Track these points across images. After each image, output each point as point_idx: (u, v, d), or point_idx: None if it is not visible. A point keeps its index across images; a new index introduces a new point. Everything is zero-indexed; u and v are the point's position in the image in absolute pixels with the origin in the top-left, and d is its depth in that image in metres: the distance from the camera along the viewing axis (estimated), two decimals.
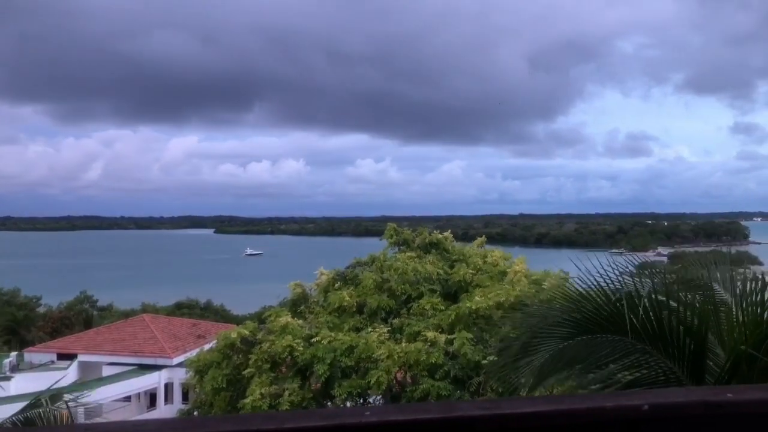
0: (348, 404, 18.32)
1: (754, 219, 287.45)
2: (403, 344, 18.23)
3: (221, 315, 59.31)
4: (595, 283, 5.26)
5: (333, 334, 18.86)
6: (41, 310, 58.06)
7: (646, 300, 4.85)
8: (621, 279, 5.36)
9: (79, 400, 10.85)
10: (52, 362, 38.07)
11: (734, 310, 5.04)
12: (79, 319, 54.95)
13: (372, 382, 17.65)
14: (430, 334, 18.31)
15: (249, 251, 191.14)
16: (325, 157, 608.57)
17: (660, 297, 5.00)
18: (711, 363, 4.81)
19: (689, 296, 5.25)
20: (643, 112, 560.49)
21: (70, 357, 38.24)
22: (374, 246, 24.41)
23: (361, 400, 18.71)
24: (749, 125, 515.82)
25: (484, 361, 16.75)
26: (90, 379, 35.63)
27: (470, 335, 18.13)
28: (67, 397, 10.60)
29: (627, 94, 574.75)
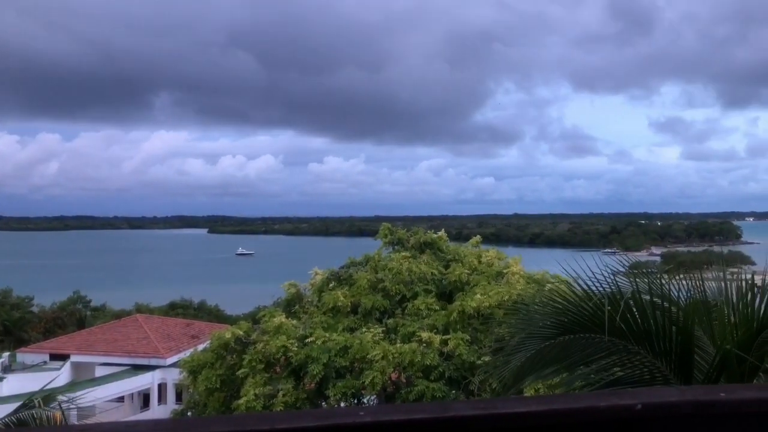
0: (342, 405, 18.31)
1: (747, 219, 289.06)
2: (398, 345, 18.22)
3: (215, 315, 59.22)
4: (583, 283, 5.28)
5: (327, 334, 18.84)
6: (34, 310, 57.81)
7: (630, 299, 4.88)
8: (610, 279, 5.39)
9: (71, 401, 10.81)
10: (45, 363, 37.90)
11: (725, 309, 5.07)
12: (72, 319, 54.77)
13: (366, 382, 17.64)
14: (425, 335, 18.32)
15: (240, 251, 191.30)
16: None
17: (644, 295, 5.04)
18: (701, 361, 4.84)
19: (679, 294, 5.29)
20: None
21: (63, 357, 38.07)
22: (368, 246, 24.40)
23: (356, 401, 18.70)
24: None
25: (479, 362, 16.77)
26: (83, 379, 35.51)
27: (465, 336, 18.14)
28: (60, 398, 10.57)
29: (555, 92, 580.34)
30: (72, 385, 31.39)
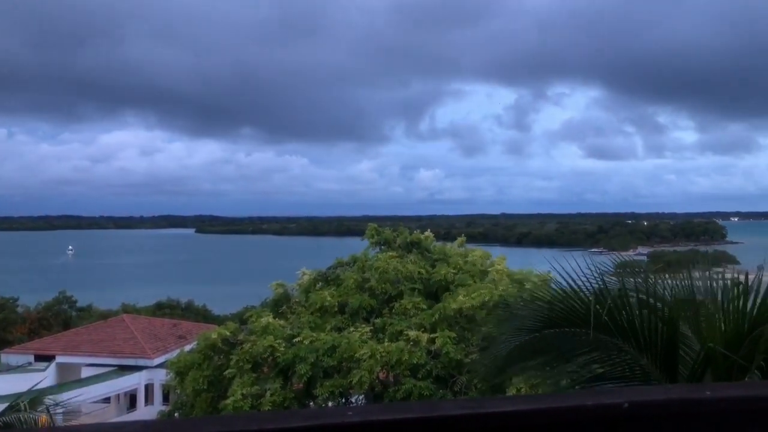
0: (330, 404, 18.29)
1: (731, 219, 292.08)
2: (386, 344, 18.24)
3: (202, 315, 58.90)
4: (570, 281, 5.31)
5: (315, 334, 18.82)
6: (19, 310, 57.19)
7: (617, 295, 4.91)
8: (597, 277, 5.42)
9: (57, 403, 10.72)
10: (30, 364, 37.52)
11: (711, 307, 5.11)
12: (57, 320, 54.27)
13: (354, 381, 17.64)
14: (413, 334, 18.35)
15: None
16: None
17: (630, 292, 5.07)
18: (687, 357, 4.88)
19: (665, 292, 5.32)
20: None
21: (49, 358, 37.71)
22: (356, 246, 24.39)
23: (344, 400, 18.69)
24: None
25: (467, 360, 16.82)
26: (69, 380, 35.21)
27: (453, 334, 18.19)
28: (46, 400, 10.48)
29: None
30: (58, 387, 31.13)
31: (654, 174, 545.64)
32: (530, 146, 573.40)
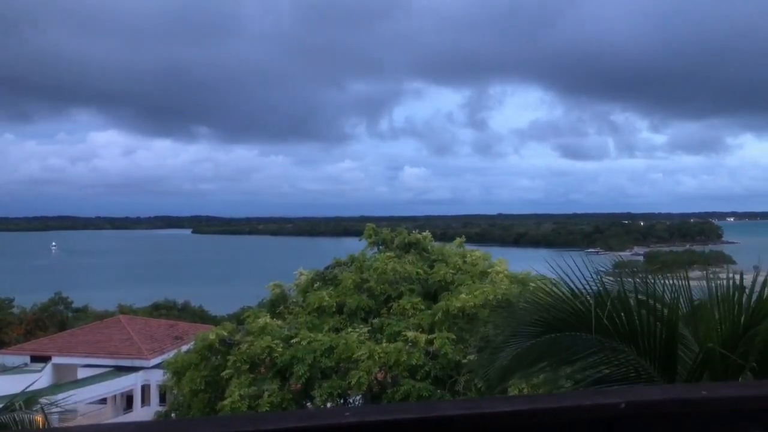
0: (328, 405, 18.27)
1: (727, 219, 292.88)
2: (384, 344, 18.23)
3: (199, 316, 58.84)
4: (569, 282, 5.30)
5: (312, 334, 18.80)
6: (15, 311, 57.04)
7: (616, 298, 4.91)
8: (596, 278, 5.42)
9: (53, 404, 10.70)
10: (26, 365, 37.44)
11: (709, 307, 5.12)
12: (53, 320, 54.14)
13: (352, 382, 17.62)
14: (411, 334, 18.34)
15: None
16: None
17: (630, 293, 5.07)
18: (686, 358, 4.88)
19: (663, 292, 5.32)
20: None
21: (45, 359, 37.63)
22: (353, 246, 24.39)
23: (342, 401, 18.67)
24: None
25: (465, 361, 16.82)
26: (65, 381, 35.14)
27: (451, 335, 18.18)
28: (42, 401, 10.45)
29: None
30: (54, 387, 31.06)
31: (635, 174, 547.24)
32: (499, 146, 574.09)
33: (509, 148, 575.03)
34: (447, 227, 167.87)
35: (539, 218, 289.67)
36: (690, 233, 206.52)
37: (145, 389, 37.42)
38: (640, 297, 5.07)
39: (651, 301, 5.01)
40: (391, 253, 21.88)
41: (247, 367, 18.59)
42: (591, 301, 4.87)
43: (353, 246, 24.41)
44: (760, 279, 5.15)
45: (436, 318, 19.05)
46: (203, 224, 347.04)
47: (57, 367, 37.33)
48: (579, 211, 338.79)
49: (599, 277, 5.39)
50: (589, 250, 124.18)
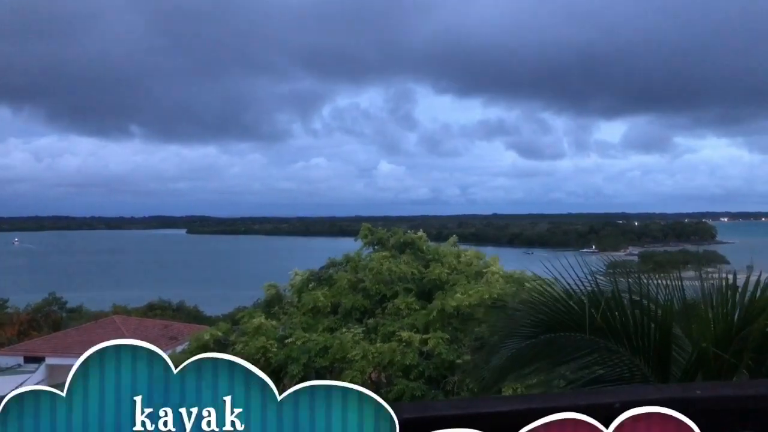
0: None
1: (721, 219, 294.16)
2: (378, 344, 18.21)
3: (194, 316, 58.67)
4: (564, 282, 5.30)
5: (307, 334, 18.77)
6: (8, 312, 56.81)
7: (610, 297, 4.91)
8: (590, 278, 5.41)
9: None
10: (20, 365, 37.29)
11: (703, 307, 5.13)
12: (47, 321, 53.92)
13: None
14: (405, 334, 18.32)
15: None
16: None
17: (624, 293, 5.07)
18: (680, 358, 4.89)
19: (657, 292, 5.33)
20: None
21: (38, 360, 37.49)
22: (349, 246, 24.38)
23: None
24: None
25: (459, 361, 16.83)
26: (58, 382, 35.00)
27: (445, 335, 18.18)
28: None
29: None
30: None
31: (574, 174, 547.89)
32: (449, 143, 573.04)
33: (461, 147, 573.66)
34: (442, 227, 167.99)
35: (534, 218, 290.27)
36: (684, 233, 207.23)
37: None
38: (633, 297, 5.07)
39: (645, 301, 5.01)
40: (387, 253, 21.88)
41: None
42: (585, 301, 4.87)
43: (349, 246, 24.41)
44: (753, 278, 5.17)
45: (431, 317, 19.05)
46: (198, 224, 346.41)
47: (50, 368, 37.16)
48: (574, 212, 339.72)
49: (594, 276, 5.38)
50: (584, 250, 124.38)
